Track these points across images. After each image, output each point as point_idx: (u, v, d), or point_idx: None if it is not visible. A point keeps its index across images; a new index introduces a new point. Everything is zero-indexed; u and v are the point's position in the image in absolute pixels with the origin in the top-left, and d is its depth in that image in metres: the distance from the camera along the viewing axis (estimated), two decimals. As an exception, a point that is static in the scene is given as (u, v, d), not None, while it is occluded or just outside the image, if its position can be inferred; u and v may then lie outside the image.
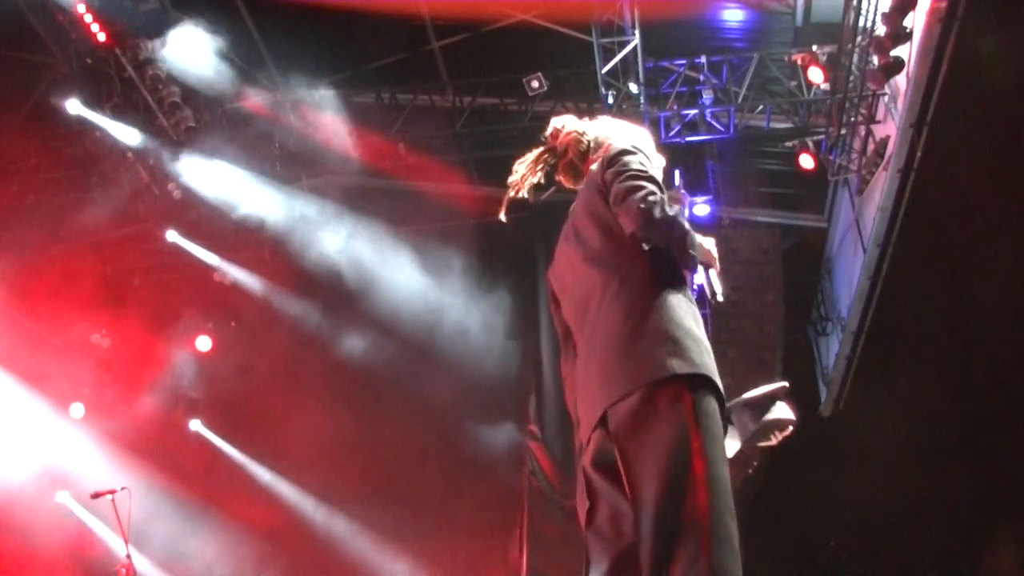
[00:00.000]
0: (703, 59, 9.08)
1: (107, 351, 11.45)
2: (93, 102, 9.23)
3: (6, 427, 10.10)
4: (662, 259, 2.64)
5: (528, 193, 3.02)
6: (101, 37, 8.66)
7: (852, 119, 8.66)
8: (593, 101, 9.51)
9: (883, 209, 8.14)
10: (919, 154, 7.60)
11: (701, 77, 9.12)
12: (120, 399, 11.24)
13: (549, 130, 3.11)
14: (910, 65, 7.33)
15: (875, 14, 7.60)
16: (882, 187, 8.13)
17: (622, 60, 8.78)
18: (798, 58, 8.73)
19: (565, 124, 3.09)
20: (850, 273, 9.64)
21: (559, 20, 9.22)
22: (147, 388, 11.41)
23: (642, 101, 9.06)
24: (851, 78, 8.28)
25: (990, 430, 9.16)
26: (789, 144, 9.65)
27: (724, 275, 2.84)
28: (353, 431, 11.35)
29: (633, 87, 8.95)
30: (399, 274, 10.48)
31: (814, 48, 8.58)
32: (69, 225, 10.02)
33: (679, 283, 2.65)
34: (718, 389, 2.50)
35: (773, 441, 2.88)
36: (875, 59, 7.68)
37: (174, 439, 11.73)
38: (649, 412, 2.42)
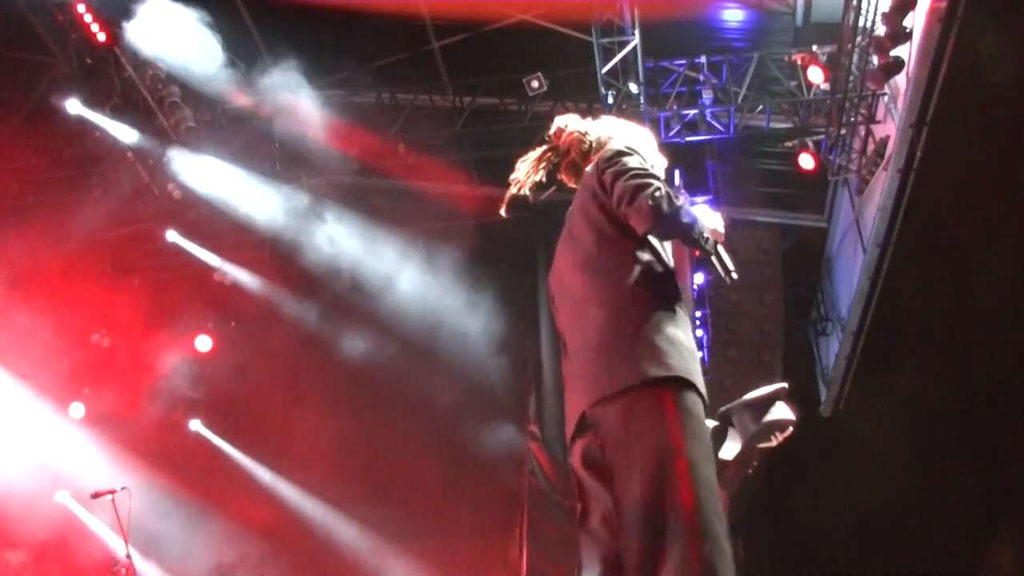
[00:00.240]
0: (703, 59, 9.08)
1: (107, 351, 11.46)
2: (93, 102, 9.24)
3: (6, 427, 10.11)
4: (653, 264, 2.67)
5: (529, 192, 3.04)
6: (101, 37, 8.67)
7: (852, 119, 8.65)
8: (593, 101, 9.50)
9: (883, 209, 8.14)
10: (919, 154, 7.60)
11: (701, 77, 9.12)
12: (120, 399, 11.22)
13: (552, 129, 3.13)
14: (910, 65, 7.33)
15: (875, 14, 7.60)
16: (882, 187, 8.13)
17: (622, 60, 8.78)
18: (798, 58, 8.73)
19: (568, 124, 3.10)
20: (850, 273, 9.64)
21: (559, 20, 9.23)
22: (147, 388, 11.40)
23: (642, 101, 9.05)
24: (851, 78, 8.28)
25: (990, 430, 9.15)
26: (789, 144, 9.64)
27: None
28: (353, 431, 11.36)
29: (633, 87, 8.95)
30: (399, 274, 10.48)
31: (814, 48, 8.58)
32: (69, 225, 10.01)
33: (669, 289, 2.68)
34: (700, 391, 2.53)
35: (773, 442, 2.89)
36: (875, 59, 7.67)
37: (174, 439, 11.74)
38: (632, 416, 2.46)
